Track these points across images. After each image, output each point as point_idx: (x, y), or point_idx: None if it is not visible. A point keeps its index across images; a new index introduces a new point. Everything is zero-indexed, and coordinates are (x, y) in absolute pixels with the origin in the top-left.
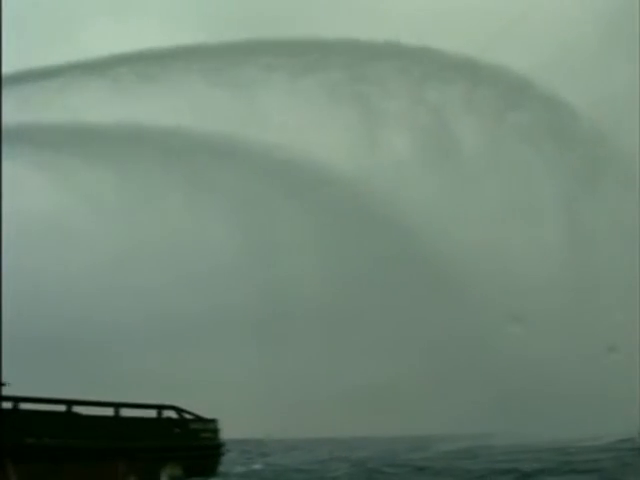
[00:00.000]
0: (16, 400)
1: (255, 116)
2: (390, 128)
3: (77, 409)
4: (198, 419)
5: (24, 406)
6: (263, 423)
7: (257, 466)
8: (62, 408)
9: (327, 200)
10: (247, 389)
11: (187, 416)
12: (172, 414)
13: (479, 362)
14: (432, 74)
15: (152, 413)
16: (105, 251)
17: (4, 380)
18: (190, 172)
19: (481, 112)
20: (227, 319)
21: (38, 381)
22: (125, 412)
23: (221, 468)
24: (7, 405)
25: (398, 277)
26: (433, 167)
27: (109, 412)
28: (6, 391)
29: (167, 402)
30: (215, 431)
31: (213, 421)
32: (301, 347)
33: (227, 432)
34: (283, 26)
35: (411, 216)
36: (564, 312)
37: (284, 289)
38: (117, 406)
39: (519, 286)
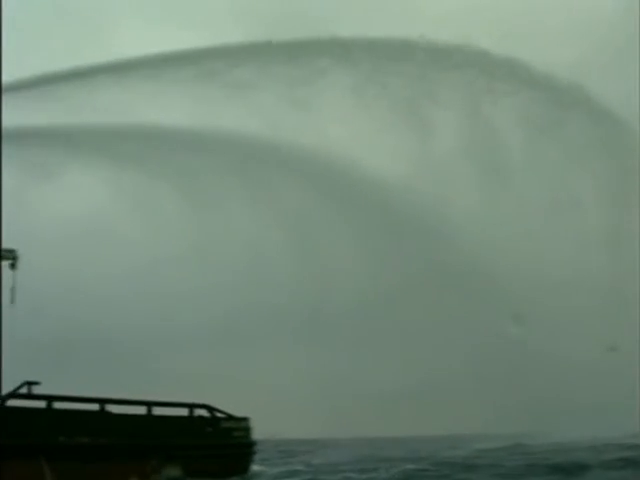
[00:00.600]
0: (49, 399)
1: (309, 120)
2: (440, 136)
3: (110, 408)
4: (230, 417)
5: (57, 405)
6: (294, 423)
7: (299, 467)
8: (95, 407)
9: (372, 205)
10: (281, 389)
11: (219, 414)
12: (204, 412)
13: (513, 363)
14: (486, 84)
15: (184, 412)
16: (146, 255)
17: (36, 379)
18: (245, 177)
19: (532, 123)
20: (266, 319)
21: (72, 381)
22: (157, 411)
23: (257, 468)
24: (40, 404)
25: (439, 281)
26: (480, 176)
27: (141, 411)
28: (39, 390)
29: (200, 401)
30: (247, 429)
31: (245, 419)
32: (339, 348)
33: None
34: (321, 26)
35: (455, 223)
36: (603, 315)
37: (327, 289)
38: (149, 405)
39: (559, 294)
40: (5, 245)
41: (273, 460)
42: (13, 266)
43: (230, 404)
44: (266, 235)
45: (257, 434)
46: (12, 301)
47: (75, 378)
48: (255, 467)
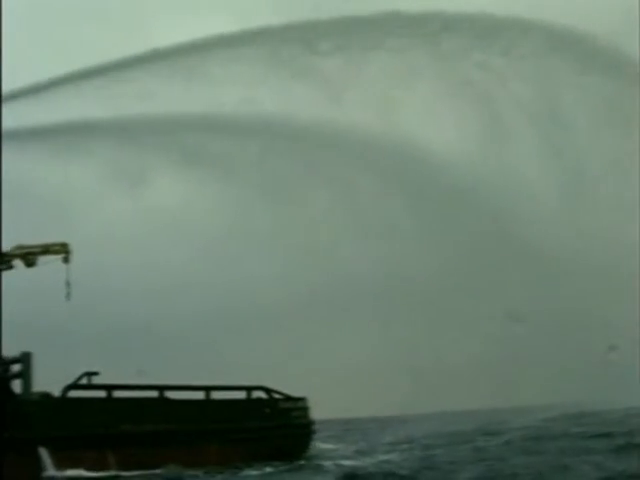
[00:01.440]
0: (109, 388)
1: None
2: (507, 118)
3: (169, 394)
4: (287, 398)
5: (117, 394)
6: (352, 402)
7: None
8: (154, 394)
9: (440, 187)
10: (356, 367)
11: (276, 396)
12: (261, 394)
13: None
14: (565, 64)
15: (242, 395)
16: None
17: (95, 369)
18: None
19: (597, 101)
20: (340, 299)
21: (132, 369)
22: (215, 395)
23: (323, 446)
24: (101, 393)
25: (503, 258)
26: (547, 160)
27: (200, 396)
28: (97, 380)
29: (260, 383)
30: (304, 409)
31: (302, 399)
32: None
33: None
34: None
35: (514, 196)
36: None
37: (399, 266)
38: (207, 389)
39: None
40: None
41: (340, 438)
42: (66, 260)
43: (305, 383)
44: (340, 217)
45: (331, 412)
46: (68, 297)
47: (136, 367)
48: (322, 445)
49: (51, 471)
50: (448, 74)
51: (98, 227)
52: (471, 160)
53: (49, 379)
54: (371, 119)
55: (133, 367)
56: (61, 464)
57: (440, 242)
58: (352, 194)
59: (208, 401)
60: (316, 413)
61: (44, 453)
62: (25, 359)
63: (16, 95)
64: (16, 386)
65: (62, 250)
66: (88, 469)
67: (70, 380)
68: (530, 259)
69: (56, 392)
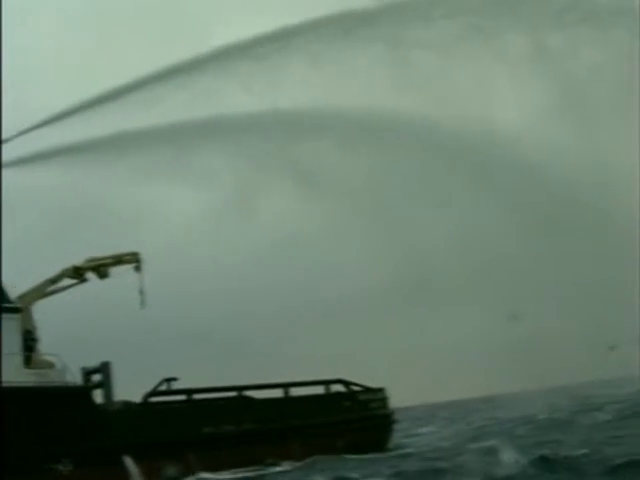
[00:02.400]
0: (189, 392)
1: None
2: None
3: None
4: (366, 390)
5: (198, 397)
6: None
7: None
8: (234, 394)
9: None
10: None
11: (355, 388)
12: (340, 387)
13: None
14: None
15: (320, 389)
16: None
17: (174, 375)
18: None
19: None
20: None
21: (211, 373)
22: (294, 391)
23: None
24: (181, 397)
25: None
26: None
27: (279, 393)
28: (177, 385)
29: (341, 375)
30: (384, 400)
31: (381, 390)
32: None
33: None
34: None
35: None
36: None
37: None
38: (286, 386)
39: None
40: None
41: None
42: (137, 268)
43: (374, 375)
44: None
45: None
46: (142, 305)
47: (213, 370)
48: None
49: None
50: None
51: (168, 235)
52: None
53: (129, 387)
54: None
55: (211, 371)
56: (145, 472)
57: (519, 221)
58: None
59: (287, 398)
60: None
61: (129, 462)
62: (105, 369)
63: (85, 106)
64: (97, 396)
65: (133, 259)
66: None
67: (150, 387)
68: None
69: (137, 400)
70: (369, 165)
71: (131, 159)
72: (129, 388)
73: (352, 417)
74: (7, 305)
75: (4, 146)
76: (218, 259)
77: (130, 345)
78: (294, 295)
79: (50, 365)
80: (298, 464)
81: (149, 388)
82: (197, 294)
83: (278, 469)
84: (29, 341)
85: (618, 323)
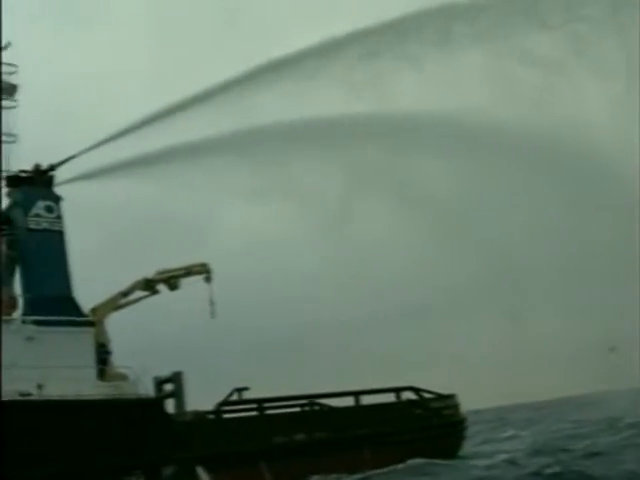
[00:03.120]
0: (260, 402)
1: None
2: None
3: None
4: (437, 397)
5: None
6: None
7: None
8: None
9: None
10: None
11: (426, 395)
12: (411, 395)
13: None
14: None
15: (391, 397)
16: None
17: (246, 385)
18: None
19: None
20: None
21: (282, 381)
22: (365, 399)
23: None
24: (252, 406)
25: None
26: None
27: (350, 402)
28: (248, 394)
29: (410, 383)
30: (455, 407)
31: (452, 397)
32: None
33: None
34: None
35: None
36: None
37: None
38: (356, 394)
39: None
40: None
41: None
42: (207, 279)
43: (441, 380)
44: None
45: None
46: (212, 315)
47: (281, 379)
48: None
49: None
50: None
51: (240, 243)
52: None
53: (200, 396)
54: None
55: (282, 378)
56: None
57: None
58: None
59: (358, 407)
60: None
61: (202, 472)
62: (177, 378)
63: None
64: (169, 405)
65: (203, 270)
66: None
67: (221, 397)
68: None
69: (208, 408)
70: (464, 171)
71: (202, 167)
72: (200, 397)
73: (424, 425)
74: (81, 319)
75: (76, 160)
76: (293, 266)
77: (201, 354)
78: (370, 301)
79: (123, 377)
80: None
81: (220, 396)
82: (268, 302)
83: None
84: (103, 354)
85: None
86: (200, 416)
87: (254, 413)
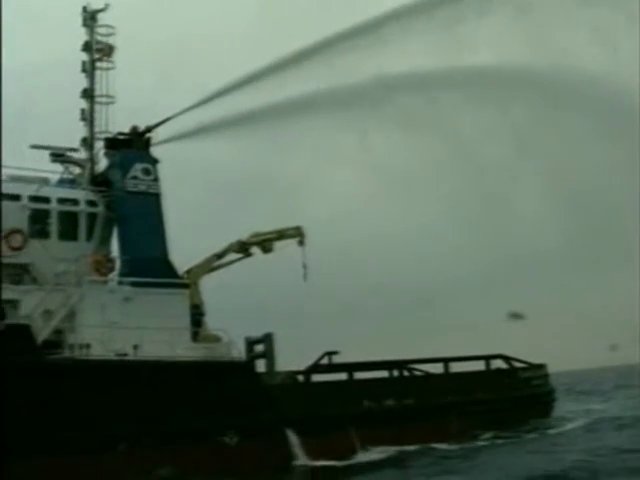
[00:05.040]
0: (350, 367)
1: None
2: None
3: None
4: (527, 366)
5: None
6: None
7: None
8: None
9: None
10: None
11: (516, 364)
12: (500, 363)
13: None
14: None
15: (480, 364)
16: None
17: (336, 349)
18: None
19: None
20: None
21: (372, 344)
22: (454, 366)
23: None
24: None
25: None
26: None
27: (439, 368)
28: (337, 359)
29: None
30: (545, 377)
31: (542, 366)
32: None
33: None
34: None
35: None
36: None
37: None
38: (446, 361)
39: None
40: None
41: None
42: (301, 243)
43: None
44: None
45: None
46: (305, 279)
47: (371, 343)
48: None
49: (301, 456)
50: None
51: (327, 204)
52: None
53: (291, 359)
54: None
55: (371, 341)
56: (307, 444)
57: None
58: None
59: (448, 374)
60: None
61: (292, 435)
62: (268, 340)
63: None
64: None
65: (296, 234)
66: (332, 448)
67: (311, 360)
68: None
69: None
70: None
71: (292, 128)
72: (291, 359)
73: (510, 395)
74: (176, 281)
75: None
76: (383, 229)
77: (292, 317)
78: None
79: (217, 339)
80: None
81: (310, 359)
82: (359, 264)
83: None
84: (197, 316)
85: None
86: (291, 377)
87: (343, 377)
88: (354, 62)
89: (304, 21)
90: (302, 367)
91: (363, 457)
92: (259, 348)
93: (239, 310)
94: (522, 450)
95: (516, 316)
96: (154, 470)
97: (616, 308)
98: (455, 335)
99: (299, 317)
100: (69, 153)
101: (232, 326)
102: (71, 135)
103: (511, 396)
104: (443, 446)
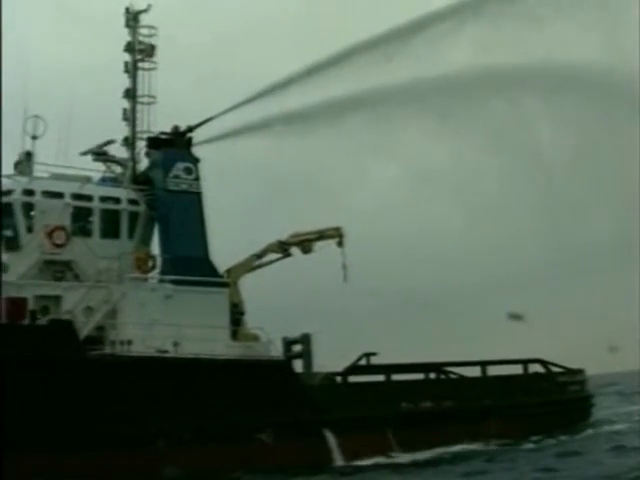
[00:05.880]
0: (388, 369)
1: None
2: None
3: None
4: (565, 371)
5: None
6: None
7: None
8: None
9: None
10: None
11: (553, 369)
12: (538, 368)
13: None
14: None
15: (518, 368)
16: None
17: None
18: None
19: None
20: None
21: (408, 347)
22: (491, 370)
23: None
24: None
25: None
26: None
27: (476, 372)
28: (375, 360)
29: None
30: (582, 382)
31: (580, 372)
32: None
33: None
34: None
35: None
36: None
37: None
38: (483, 364)
39: None
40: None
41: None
42: (340, 243)
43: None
44: None
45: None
46: (345, 279)
47: (410, 344)
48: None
49: (337, 457)
50: None
51: (367, 201)
52: None
53: (328, 359)
54: None
55: (410, 341)
56: (345, 445)
57: None
58: None
59: (485, 377)
60: None
61: (329, 435)
62: (305, 340)
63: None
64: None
65: (336, 234)
66: (369, 449)
67: (348, 361)
68: None
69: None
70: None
71: (338, 128)
72: (328, 359)
73: (547, 399)
74: (216, 280)
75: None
76: (424, 226)
77: (331, 317)
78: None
79: (255, 338)
80: None
81: (347, 360)
82: (400, 261)
83: None
84: (236, 315)
85: None
86: (330, 379)
87: (381, 378)
88: (404, 61)
89: (347, 16)
90: (339, 368)
91: (401, 458)
92: (296, 348)
93: (278, 310)
94: (563, 452)
95: (515, 317)
96: (163, 470)
97: None
98: (489, 338)
99: (338, 317)
100: (108, 148)
101: (271, 326)
102: (113, 135)
103: (549, 400)
104: (483, 447)
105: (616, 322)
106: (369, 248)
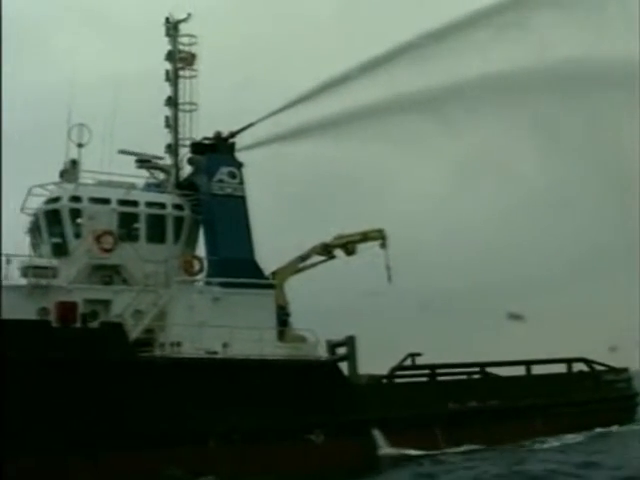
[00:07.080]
0: (433, 368)
1: None
2: None
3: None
4: (609, 370)
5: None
6: None
7: None
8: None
9: None
10: None
11: (598, 367)
12: (582, 367)
13: None
14: None
15: (562, 367)
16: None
17: (419, 351)
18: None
19: None
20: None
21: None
22: (536, 369)
23: None
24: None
25: None
26: None
27: (521, 370)
28: (420, 360)
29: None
30: (628, 381)
31: (625, 370)
32: None
33: None
34: None
35: None
36: None
37: None
38: (527, 364)
39: None
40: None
41: None
42: (383, 245)
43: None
44: None
45: None
46: (389, 280)
47: (455, 344)
48: None
49: (386, 449)
50: None
51: (409, 203)
52: None
53: (372, 361)
54: None
55: (452, 341)
56: (393, 444)
57: None
58: None
59: (530, 376)
60: None
61: (378, 434)
62: (350, 342)
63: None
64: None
65: (379, 236)
66: (418, 448)
67: (394, 361)
68: None
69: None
70: None
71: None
72: (372, 361)
73: (592, 398)
74: (263, 282)
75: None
76: (462, 226)
77: (375, 318)
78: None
79: (302, 339)
80: None
81: (391, 361)
82: (441, 263)
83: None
84: (283, 316)
85: None
86: (375, 380)
87: (425, 379)
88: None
89: (385, 18)
90: (383, 370)
91: (452, 457)
92: (341, 351)
93: (324, 312)
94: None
95: (515, 317)
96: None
97: None
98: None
99: (382, 319)
100: (154, 160)
101: (316, 328)
102: (156, 142)
103: (594, 399)
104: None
105: (616, 322)
106: (410, 250)
